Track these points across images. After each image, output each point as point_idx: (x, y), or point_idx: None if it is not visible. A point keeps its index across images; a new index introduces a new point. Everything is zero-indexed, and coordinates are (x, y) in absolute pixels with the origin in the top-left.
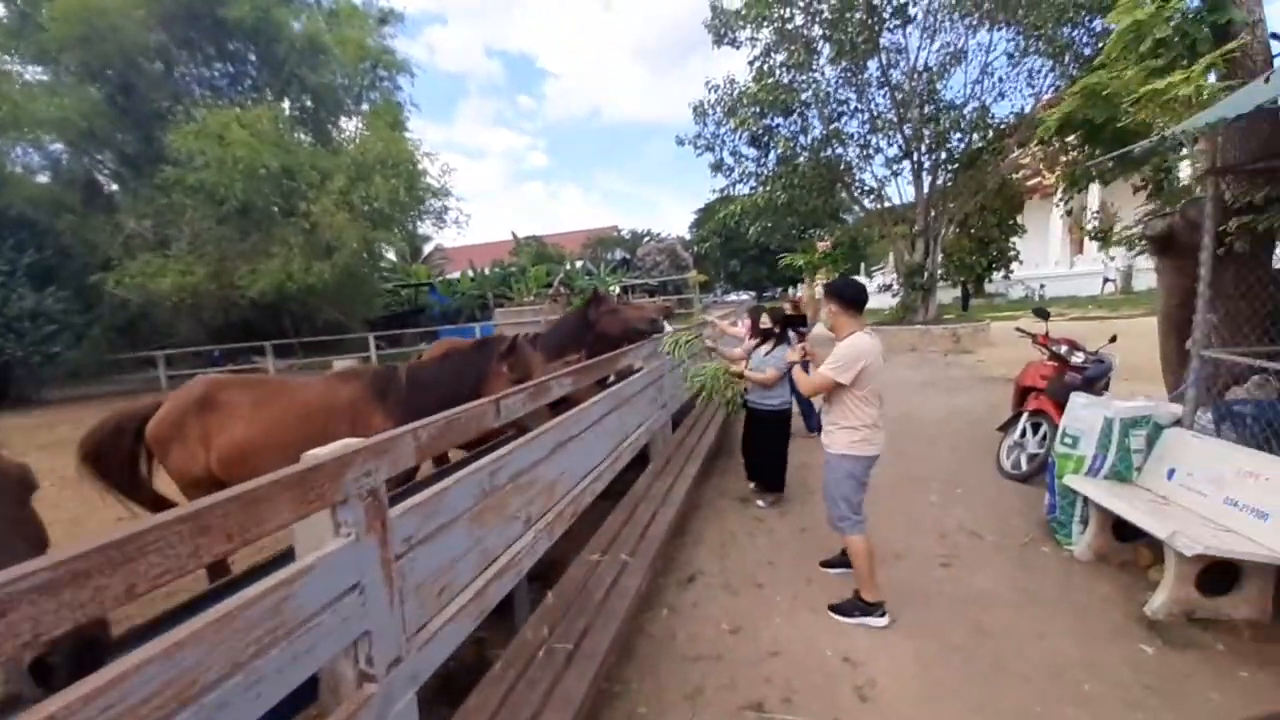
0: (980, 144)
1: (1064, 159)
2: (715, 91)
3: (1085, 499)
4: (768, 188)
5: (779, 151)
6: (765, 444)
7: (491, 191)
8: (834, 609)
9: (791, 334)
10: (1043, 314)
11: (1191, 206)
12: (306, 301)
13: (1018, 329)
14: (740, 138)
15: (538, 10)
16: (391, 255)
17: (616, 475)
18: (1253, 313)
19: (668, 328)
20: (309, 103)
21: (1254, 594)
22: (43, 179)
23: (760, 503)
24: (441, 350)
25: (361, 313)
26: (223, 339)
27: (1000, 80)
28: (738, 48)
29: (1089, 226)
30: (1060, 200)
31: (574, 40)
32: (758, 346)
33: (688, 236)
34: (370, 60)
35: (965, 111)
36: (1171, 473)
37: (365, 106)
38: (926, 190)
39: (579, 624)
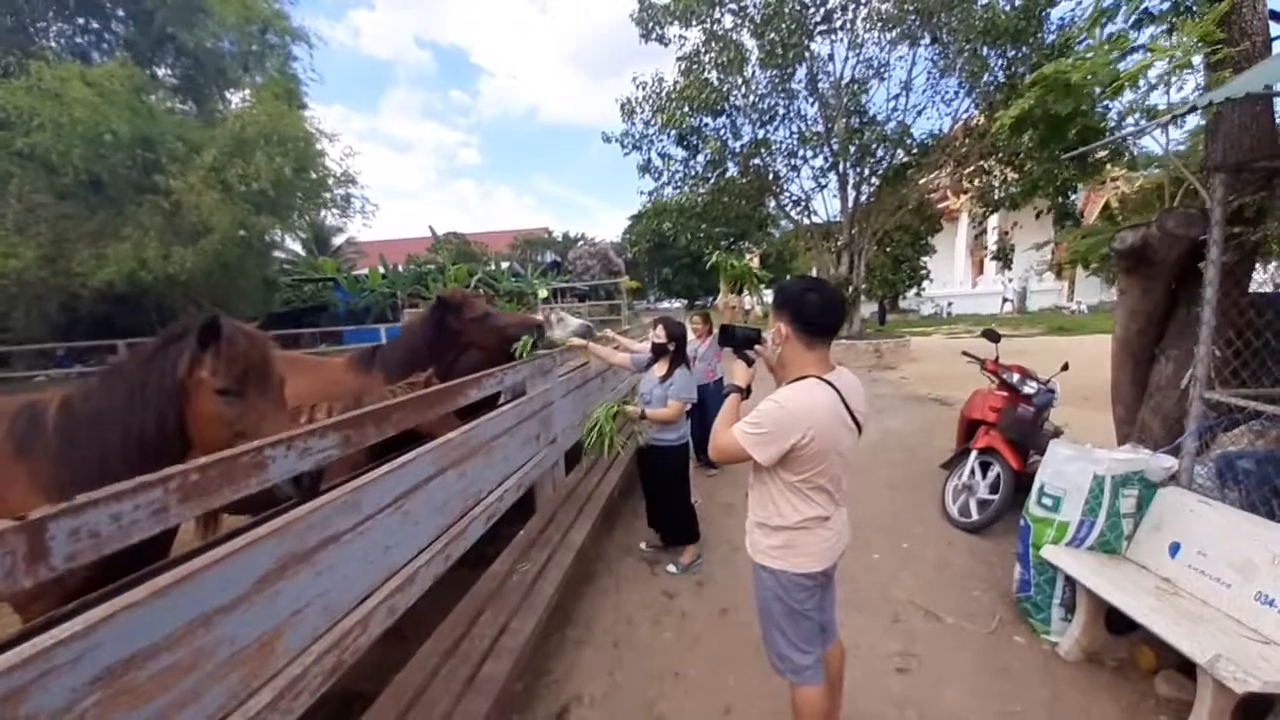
0: (905, 159)
1: (972, 184)
2: (643, 89)
3: (1068, 577)
4: (695, 190)
5: (708, 154)
6: (662, 488)
7: (420, 188)
8: None
9: (719, 350)
10: (993, 336)
11: (1170, 216)
12: (166, 294)
13: (965, 353)
14: (668, 136)
15: (471, 5)
16: (297, 246)
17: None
18: (1255, 344)
19: (570, 323)
20: (189, 70)
21: None
22: None
23: (671, 568)
24: None
25: (246, 308)
26: (73, 335)
27: (924, 95)
28: (666, 45)
29: (993, 248)
30: (973, 223)
31: (510, 39)
32: (648, 367)
33: (621, 242)
34: (258, 24)
35: (888, 128)
36: (1176, 548)
37: (260, 80)
38: (851, 204)
39: None
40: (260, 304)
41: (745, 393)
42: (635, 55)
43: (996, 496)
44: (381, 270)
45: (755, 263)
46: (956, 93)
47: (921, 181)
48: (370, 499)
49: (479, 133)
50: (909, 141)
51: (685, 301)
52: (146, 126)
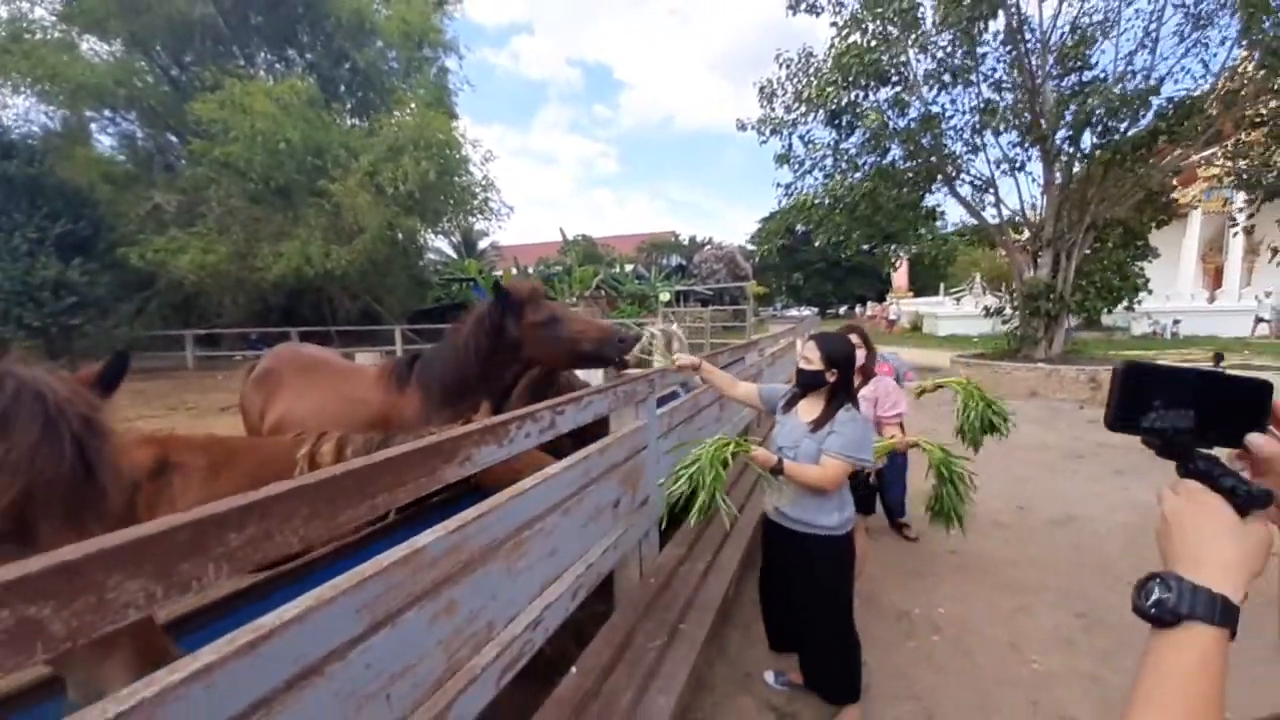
0: (1152, 125)
1: (1238, 163)
2: (786, 67)
3: None
4: (846, 177)
5: (864, 133)
6: (801, 598)
7: (561, 196)
8: None
9: (882, 385)
10: None
11: None
12: (324, 288)
13: None
14: (815, 117)
15: (618, 23)
16: (446, 247)
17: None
18: None
19: (649, 335)
20: (361, 87)
21: None
22: (82, 149)
23: None
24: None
25: (396, 304)
26: (265, 323)
27: (1173, 46)
28: (818, 14)
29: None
30: (1234, 216)
31: (651, 51)
32: (790, 404)
33: (750, 247)
34: (416, 37)
35: (1122, 88)
36: None
37: (422, 91)
38: (1059, 188)
39: None
40: (411, 300)
41: None
42: (771, 58)
43: None
44: (514, 271)
45: (903, 271)
46: (1216, 43)
47: (1168, 159)
48: None
49: (617, 143)
50: (1152, 104)
51: (816, 310)
52: (317, 135)
